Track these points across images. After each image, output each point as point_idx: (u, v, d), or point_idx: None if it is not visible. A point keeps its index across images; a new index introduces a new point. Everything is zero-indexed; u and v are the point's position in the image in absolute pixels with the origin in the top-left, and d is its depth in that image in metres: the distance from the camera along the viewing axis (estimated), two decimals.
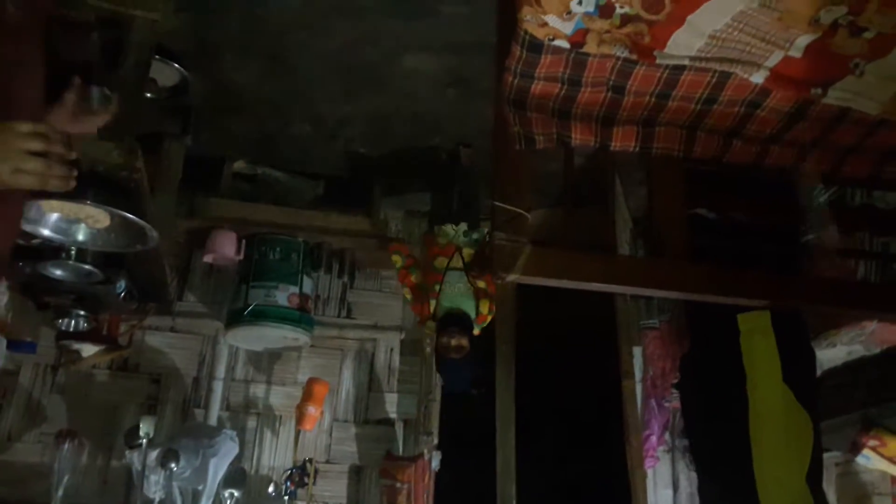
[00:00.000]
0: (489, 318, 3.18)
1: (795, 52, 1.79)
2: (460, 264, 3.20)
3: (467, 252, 3.23)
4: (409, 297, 3.33)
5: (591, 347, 3.56)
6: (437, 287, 3.18)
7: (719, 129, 2.09)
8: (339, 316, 3.75)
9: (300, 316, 3.37)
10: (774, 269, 2.17)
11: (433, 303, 3.18)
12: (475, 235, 3.30)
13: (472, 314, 3.15)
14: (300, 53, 2.80)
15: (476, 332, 3.16)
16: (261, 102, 3.13)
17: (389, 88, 3.01)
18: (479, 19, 2.50)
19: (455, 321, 3.09)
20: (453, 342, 3.04)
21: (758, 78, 1.88)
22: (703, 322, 2.56)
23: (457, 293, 3.17)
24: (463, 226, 3.29)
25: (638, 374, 3.19)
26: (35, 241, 2.56)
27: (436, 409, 3.51)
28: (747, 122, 2.06)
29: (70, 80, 1.77)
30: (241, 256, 3.41)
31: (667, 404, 3.14)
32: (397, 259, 3.36)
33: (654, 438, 3.11)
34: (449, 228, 3.29)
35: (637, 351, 3.22)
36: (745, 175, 2.17)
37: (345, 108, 3.15)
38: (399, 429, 3.56)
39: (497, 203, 2.10)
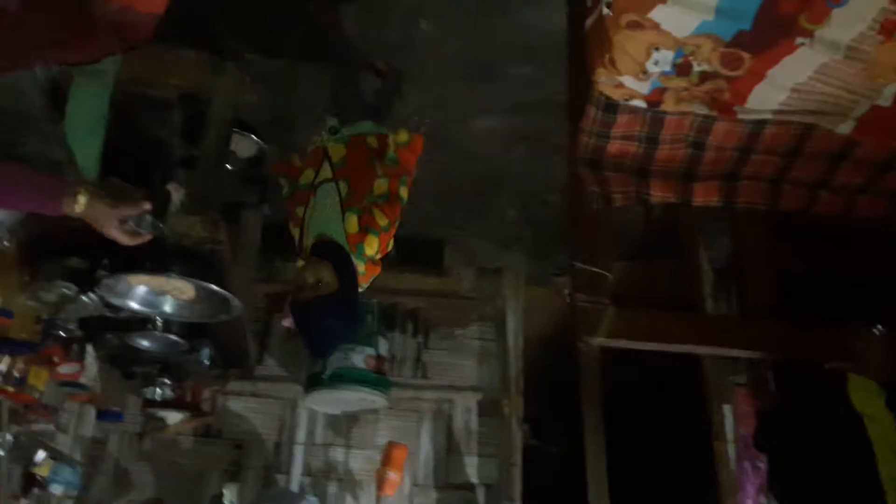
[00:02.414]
0: (374, 241, 2.18)
1: (884, 102, 1.74)
2: (329, 173, 2.25)
3: (335, 150, 2.30)
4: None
5: (679, 405, 3.44)
6: (303, 211, 2.26)
7: (805, 182, 2.03)
8: (414, 377, 3.73)
9: (377, 378, 3.37)
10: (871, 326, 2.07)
11: (297, 233, 2.28)
12: (347, 129, 2.35)
13: (342, 238, 2.16)
14: None
15: (361, 269, 2.20)
16: None
17: (457, 149, 3.04)
18: (546, 79, 2.52)
19: (317, 251, 2.12)
20: (307, 277, 2.04)
21: (844, 129, 1.83)
22: (793, 374, 2.46)
23: (324, 216, 2.19)
24: (330, 121, 2.40)
25: (730, 434, 3.07)
26: (123, 314, 2.64)
27: (518, 473, 3.43)
28: (834, 173, 1.99)
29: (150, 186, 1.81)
30: None
31: (761, 465, 3.00)
32: (284, 184, 2.49)
33: (749, 501, 2.97)
34: (323, 133, 2.41)
35: (727, 409, 3.10)
36: (836, 227, 2.10)
37: (414, 171, 3.19)
38: (481, 494, 3.48)
39: (576, 264, 2.07)
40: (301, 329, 2.21)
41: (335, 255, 2.12)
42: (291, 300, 2.14)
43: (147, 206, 1.66)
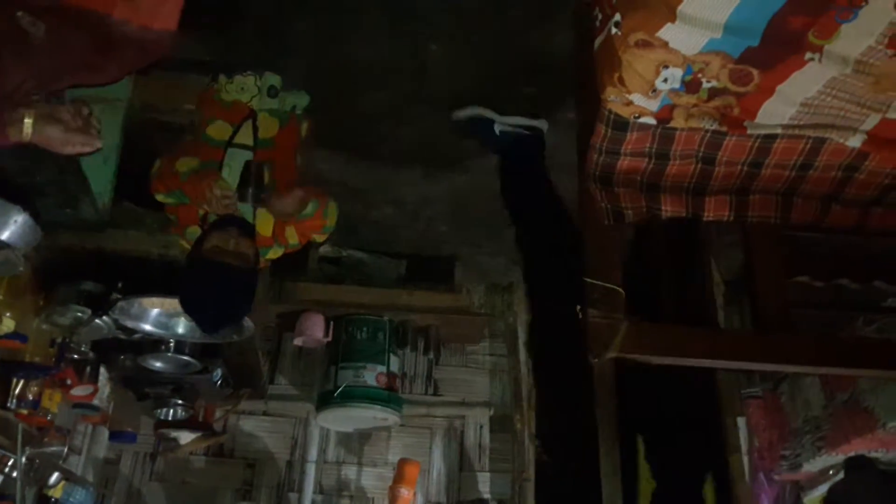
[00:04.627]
0: (278, 251, 2.12)
1: (894, 114, 1.74)
2: (250, 140, 2.11)
3: (266, 121, 2.15)
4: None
5: (692, 419, 3.43)
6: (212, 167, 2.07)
7: (816, 194, 2.03)
8: (426, 393, 3.73)
9: (389, 395, 3.37)
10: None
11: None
12: (289, 100, 2.21)
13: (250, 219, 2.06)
14: (383, 142, 2.88)
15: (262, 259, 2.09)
16: (346, 189, 3.20)
17: (468, 168, 3.05)
18: (554, 98, 2.54)
19: (236, 222, 1.99)
20: (232, 244, 1.92)
21: (855, 142, 1.83)
22: None
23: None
24: (272, 77, 2.21)
25: (744, 446, 3.05)
26: (136, 336, 2.66)
27: (531, 488, 3.42)
28: (846, 186, 2.00)
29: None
30: (330, 338, 3.45)
31: (776, 477, 2.99)
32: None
33: None
34: (249, 80, 2.20)
35: (741, 421, 3.09)
36: (851, 241, 2.10)
37: (425, 190, 3.21)
38: None
39: (589, 280, 2.07)
40: (200, 292, 1.99)
41: (251, 233, 2.00)
42: (207, 256, 1.92)
43: (90, 116, 1.61)
